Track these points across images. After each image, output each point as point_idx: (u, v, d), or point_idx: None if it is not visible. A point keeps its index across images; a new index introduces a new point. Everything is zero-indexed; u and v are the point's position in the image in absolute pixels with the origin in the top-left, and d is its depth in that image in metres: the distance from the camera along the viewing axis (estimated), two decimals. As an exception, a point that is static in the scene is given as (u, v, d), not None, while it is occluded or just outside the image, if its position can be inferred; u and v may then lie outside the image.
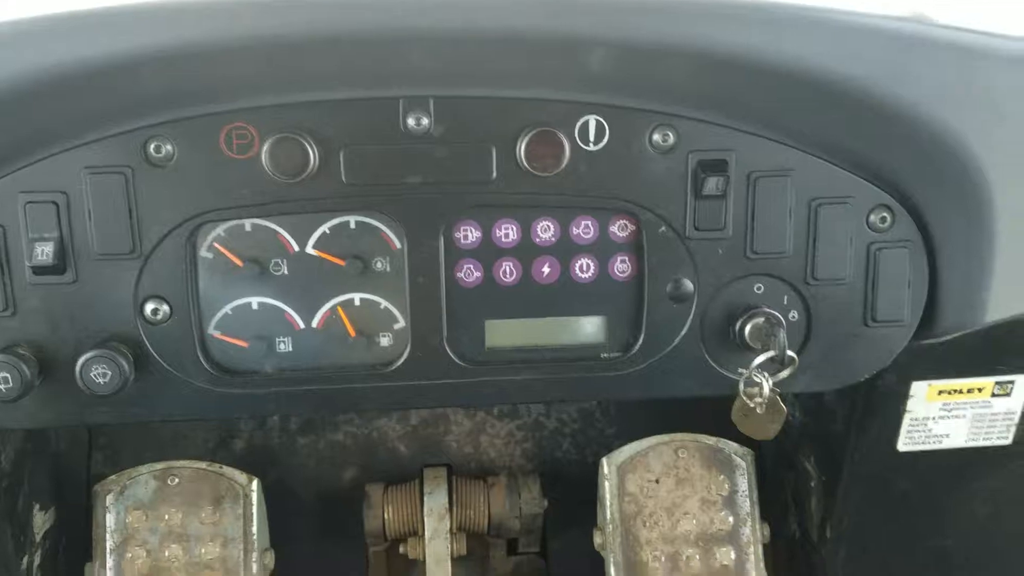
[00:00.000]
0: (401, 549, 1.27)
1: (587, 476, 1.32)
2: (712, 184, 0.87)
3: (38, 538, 1.14)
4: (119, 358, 0.85)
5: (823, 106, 0.84)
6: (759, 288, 0.93)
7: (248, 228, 0.90)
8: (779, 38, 0.78)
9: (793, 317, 0.94)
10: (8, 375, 0.83)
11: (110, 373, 0.85)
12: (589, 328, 0.96)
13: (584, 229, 0.93)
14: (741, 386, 0.93)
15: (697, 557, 1.18)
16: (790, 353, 0.90)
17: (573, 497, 1.37)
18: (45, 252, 0.83)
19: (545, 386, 0.96)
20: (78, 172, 0.84)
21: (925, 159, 0.87)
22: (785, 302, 0.94)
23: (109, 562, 1.11)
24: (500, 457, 1.42)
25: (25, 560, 1.11)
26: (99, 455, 1.30)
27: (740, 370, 0.94)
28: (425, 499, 1.26)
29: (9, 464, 1.07)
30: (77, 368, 0.84)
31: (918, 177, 0.90)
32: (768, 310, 0.92)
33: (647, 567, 1.18)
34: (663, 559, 1.18)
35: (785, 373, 0.91)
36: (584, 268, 0.94)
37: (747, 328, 0.92)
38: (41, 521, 1.15)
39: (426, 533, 1.24)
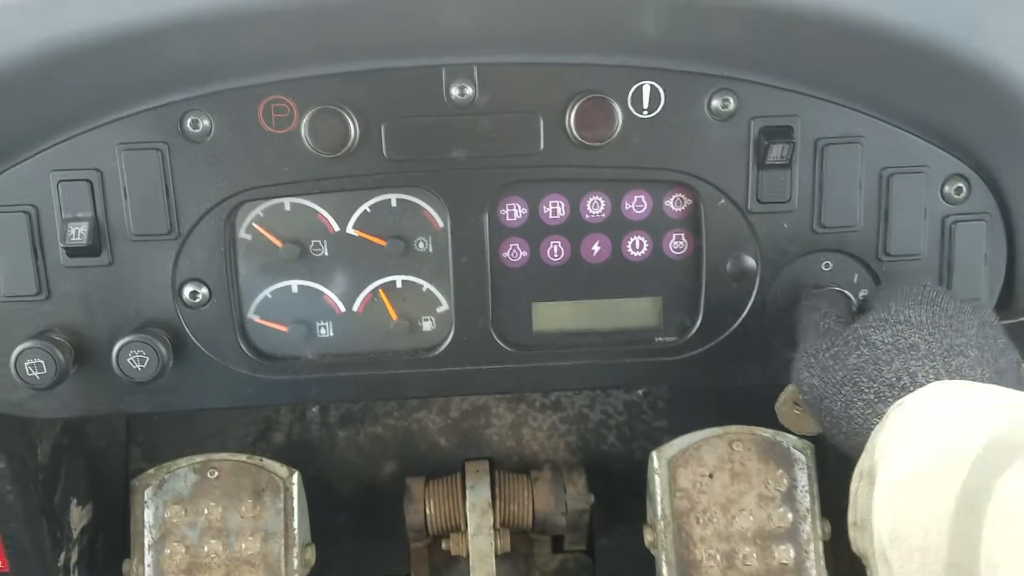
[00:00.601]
0: (443, 545, 1.23)
1: (634, 471, 1.27)
2: (776, 152, 0.82)
3: (75, 534, 1.12)
4: (157, 343, 0.82)
5: (896, 65, 0.79)
6: (827, 265, 0.88)
7: (288, 208, 0.87)
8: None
9: (864, 296, 0.88)
10: (42, 361, 0.80)
11: (148, 359, 0.82)
12: (643, 310, 0.91)
13: (636, 204, 0.88)
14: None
15: (754, 556, 1.13)
16: None
17: (620, 493, 1.32)
18: (79, 233, 0.81)
19: (596, 372, 0.91)
20: (112, 149, 0.81)
21: (1004, 124, 0.81)
22: (855, 280, 0.88)
23: (148, 558, 1.08)
24: (543, 451, 1.37)
25: (63, 556, 1.09)
26: (137, 450, 1.28)
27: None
28: (467, 493, 1.22)
29: (46, 458, 1.04)
30: (114, 353, 0.82)
31: (996, 144, 0.84)
32: (838, 288, 0.86)
33: (701, 566, 1.12)
34: (718, 558, 1.13)
35: None
36: (637, 246, 0.89)
37: None
38: (78, 516, 1.13)
39: (469, 529, 1.20)
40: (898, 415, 0.64)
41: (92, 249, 0.81)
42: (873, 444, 0.65)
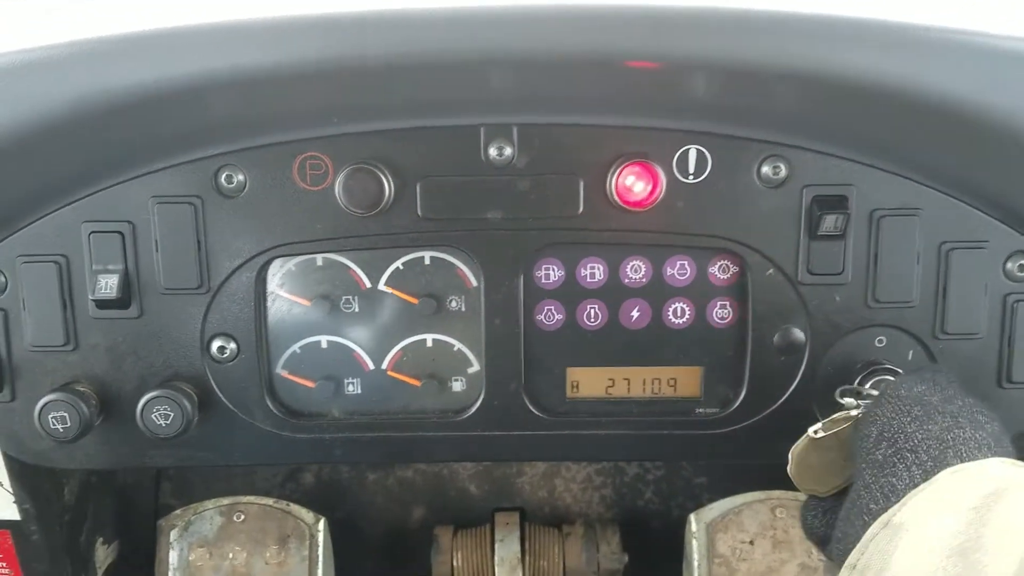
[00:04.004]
0: (470, 599, 1.19)
1: (672, 529, 1.22)
2: (830, 223, 0.78)
3: (100, 573, 1.11)
4: (182, 398, 0.81)
5: (961, 139, 0.74)
6: (881, 341, 0.83)
7: (319, 263, 0.85)
8: (919, 64, 0.69)
9: None
10: (66, 414, 0.79)
11: (172, 415, 0.80)
12: (682, 380, 0.87)
13: (679, 270, 0.85)
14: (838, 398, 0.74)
15: (794, 629, 1.07)
16: None
17: (656, 553, 1.27)
18: (109, 285, 0.80)
19: (632, 443, 0.88)
20: (145, 201, 0.80)
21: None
22: (910, 358, 0.83)
23: (170, 601, 1.07)
24: (576, 503, 1.33)
25: (86, 596, 1.09)
26: (168, 485, 1.28)
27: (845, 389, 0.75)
28: (496, 547, 1.19)
29: (72, 498, 1.04)
30: (139, 409, 0.81)
31: (1065, 219, 0.79)
32: (891, 366, 0.81)
33: (738, 637, 1.08)
34: (756, 629, 1.08)
35: None
36: (678, 313, 0.86)
37: (867, 386, 0.81)
38: (104, 555, 1.12)
39: (497, 584, 1.16)
40: (949, 479, 0.62)
41: (121, 302, 0.81)
42: (914, 502, 0.62)
